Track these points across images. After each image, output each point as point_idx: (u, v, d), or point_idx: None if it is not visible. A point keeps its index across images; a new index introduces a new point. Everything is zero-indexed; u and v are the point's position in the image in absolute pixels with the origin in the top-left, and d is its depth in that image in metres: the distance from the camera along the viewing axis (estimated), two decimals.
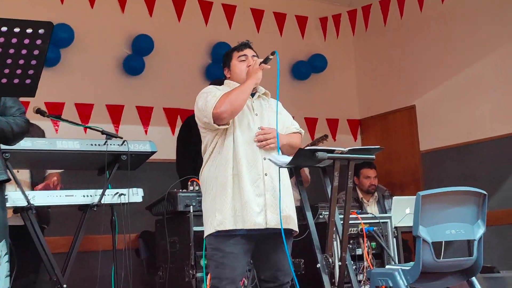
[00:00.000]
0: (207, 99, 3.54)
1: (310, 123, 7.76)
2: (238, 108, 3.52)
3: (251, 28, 7.48)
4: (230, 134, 3.57)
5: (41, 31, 2.71)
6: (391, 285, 3.40)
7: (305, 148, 3.36)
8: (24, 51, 2.72)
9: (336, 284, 3.42)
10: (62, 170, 4.96)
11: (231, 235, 3.45)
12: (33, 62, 2.78)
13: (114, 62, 6.67)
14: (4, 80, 2.75)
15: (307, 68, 7.79)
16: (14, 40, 2.67)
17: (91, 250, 5.14)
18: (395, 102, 7.76)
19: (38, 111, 4.58)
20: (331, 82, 8.02)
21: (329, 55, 7.94)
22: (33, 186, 4.72)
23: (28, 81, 2.82)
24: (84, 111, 6.40)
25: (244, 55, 3.75)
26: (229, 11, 7.34)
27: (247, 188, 3.46)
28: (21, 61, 2.74)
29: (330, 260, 3.27)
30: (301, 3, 7.86)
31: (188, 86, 6.59)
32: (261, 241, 3.55)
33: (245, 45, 3.81)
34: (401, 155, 7.69)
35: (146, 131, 6.68)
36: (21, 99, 5.30)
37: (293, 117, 7.40)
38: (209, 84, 5.46)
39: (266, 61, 3.61)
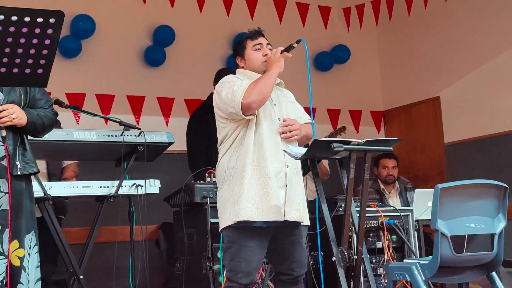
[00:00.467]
0: (234, 89, 3.45)
1: (333, 115, 7.71)
2: (266, 97, 3.46)
3: (274, 18, 7.43)
4: (253, 125, 3.50)
5: (51, 20, 2.68)
6: (408, 279, 3.34)
7: (321, 139, 3.29)
8: (35, 41, 2.71)
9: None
10: (78, 161, 4.99)
11: (248, 227, 3.41)
12: (45, 51, 2.75)
13: (135, 53, 6.65)
14: (15, 70, 2.74)
15: (329, 59, 7.71)
16: (24, 30, 2.66)
17: (109, 241, 5.12)
18: (419, 94, 7.65)
19: (57, 102, 4.58)
20: (354, 73, 7.94)
21: (352, 45, 7.84)
22: (49, 177, 4.73)
23: (40, 71, 2.79)
24: (105, 102, 6.41)
25: (259, 43, 3.68)
26: (251, 1, 7.29)
27: (272, 181, 3.41)
28: (32, 51, 2.73)
29: (346, 253, 3.22)
30: None
31: (209, 77, 6.47)
32: (277, 234, 3.51)
33: (258, 33, 3.73)
34: (425, 147, 7.59)
35: (167, 122, 6.67)
36: None
37: (314, 108, 7.45)
38: (216, 74, 5.47)
39: (288, 49, 3.56)
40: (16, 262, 2.99)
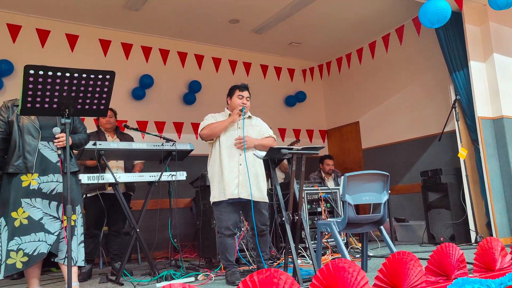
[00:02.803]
0: (201, 124, 3.49)
1: (296, 132, 7.59)
2: (214, 135, 3.43)
3: (261, 75, 7.34)
4: (217, 143, 3.48)
5: (107, 76, 2.61)
6: (329, 231, 3.23)
7: (275, 146, 3.18)
8: (98, 89, 2.62)
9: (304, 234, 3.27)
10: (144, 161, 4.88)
11: (221, 202, 3.38)
12: (104, 95, 2.67)
13: (177, 96, 6.58)
14: (87, 106, 2.65)
15: (294, 99, 7.61)
16: (91, 82, 2.58)
17: (160, 208, 5.03)
18: (347, 119, 7.56)
19: (125, 126, 4.51)
20: (308, 107, 7.83)
21: (307, 91, 7.75)
22: (125, 170, 4.63)
23: (102, 106, 2.71)
24: (160, 125, 6.33)
25: (241, 95, 3.56)
26: (247, 65, 7.21)
27: (227, 174, 3.36)
28: (97, 95, 2.64)
29: (290, 215, 3.12)
30: (290, 61, 7.69)
31: (221, 111, 6.47)
32: (245, 206, 3.44)
33: (245, 87, 3.60)
34: (350, 151, 7.49)
35: (196, 137, 6.54)
36: (122, 117, 5.24)
37: (285, 129, 7.29)
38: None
39: (242, 111, 3.45)
40: (72, 223, 2.89)
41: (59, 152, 2.89)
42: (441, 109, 6.02)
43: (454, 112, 5.15)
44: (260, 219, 3.42)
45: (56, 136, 2.85)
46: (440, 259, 2.50)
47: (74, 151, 3.23)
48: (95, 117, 4.77)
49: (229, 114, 3.55)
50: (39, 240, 2.72)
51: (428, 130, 6.21)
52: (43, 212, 2.79)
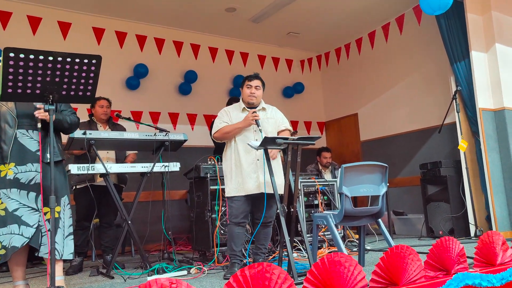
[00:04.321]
0: (215, 125, 3.37)
1: (294, 124, 7.48)
2: (227, 137, 3.36)
3: (258, 66, 7.22)
4: (233, 140, 3.38)
5: (94, 61, 2.49)
6: (325, 224, 3.13)
7: (269, 136, 3.07)
8: (84, 74, 2.50)
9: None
10: (137, 152, 4.76)
11: (238, 196, 3.33)
12: (91, 81, 2.55)
13: (173, 87, 6.46)
14: (72, 93, 2.53)
15: (292, 90, 7.49)
16: (76, 67, 2.45)
17: (152, 200, 4.93)
18: (346, 111, 7.45)
19: (117, 115, 4.38)
20: (306, 99, 7.71)
21: (305, 82, 7.63)
22: (117, 161, 4.52)
23: (88, 93, 2.58)
24: (155, 116, 6.21)
25: (250, 85, 3.43)
26: (244, 56, 7.09)
27: (245, 170, 3.30)
28: (82, 80, 2.52)
29: (285, 207, 3.01)
30: (289, 52, 7.56)
31: (218, 102, 6.37)
32: (256, 198, 3.37)
33: (254, 76, 3.48)
34: (349, 143, 7.39)
35: (192, 128, 6.47)
36: (115, 107, 5.11)
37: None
38: (228, 99, 5.25)
39: (257, 123, 3.30)
40: (56, 215, 2.76)
41: (39, 125, 2.64)
42: (441, 100, 5.91)
43: (454, 104, 5.04)
44: (269, 211, 3.37)
45: (37, 106, 2.62)
46: (439, 253, 2.40)
47: (62, 134, 3.04)
48: (88, 107, 4.64)
49: (243, 108, 3.44)
50: (11, 233, 2.59)
51: (428, 122, 6.11)
52: (20, 203, 2.65)
